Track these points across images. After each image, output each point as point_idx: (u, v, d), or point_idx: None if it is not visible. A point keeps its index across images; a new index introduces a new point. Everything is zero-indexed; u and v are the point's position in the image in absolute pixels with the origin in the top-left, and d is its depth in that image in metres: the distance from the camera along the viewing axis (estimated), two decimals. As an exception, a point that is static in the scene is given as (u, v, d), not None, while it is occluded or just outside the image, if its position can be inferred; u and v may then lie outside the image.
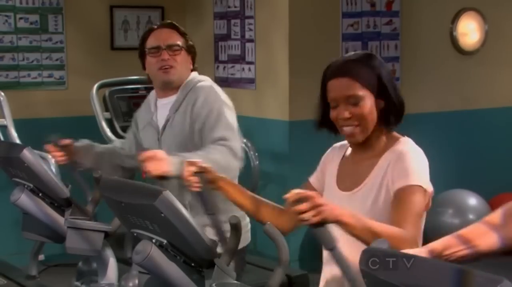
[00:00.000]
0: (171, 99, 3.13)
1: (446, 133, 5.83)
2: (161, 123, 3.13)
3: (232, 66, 5.64)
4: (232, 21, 5.62)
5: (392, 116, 2.34)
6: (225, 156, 2.85)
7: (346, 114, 2.30)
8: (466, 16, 5.89)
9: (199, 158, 2.72)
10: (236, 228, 1.99)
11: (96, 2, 5.76)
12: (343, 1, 5.36)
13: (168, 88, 3.14)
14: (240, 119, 5.59)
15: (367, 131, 2.32)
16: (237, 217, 2.00)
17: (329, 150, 2.54)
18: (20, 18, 5.51)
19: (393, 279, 1.39)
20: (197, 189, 2.34)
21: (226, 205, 3.12)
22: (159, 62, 3.09)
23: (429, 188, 2.28)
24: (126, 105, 5.35)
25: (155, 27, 3.20)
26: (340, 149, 2.48)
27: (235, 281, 1.98)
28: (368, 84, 2.30)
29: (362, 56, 2.36)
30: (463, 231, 1.94)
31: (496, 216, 1.98)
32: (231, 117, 3.05)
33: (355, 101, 2.29)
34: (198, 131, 3.02)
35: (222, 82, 5.71)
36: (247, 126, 5.53)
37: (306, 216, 1.92)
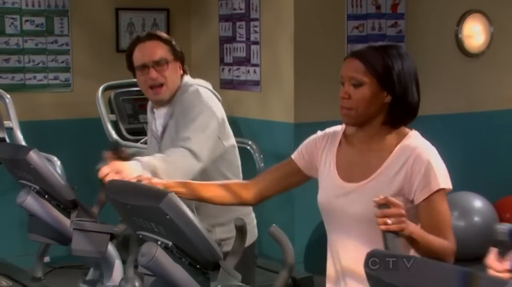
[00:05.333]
0: (167, 107, 3.13)
1: (452, 135, 5.82)
2: (159, 131, 3.14)
3: (237, 69, 5.65)
4: (237, 23, 5.63)
5: (395, 114, 2.32)
6: (185, 158, 2.81)
7: (342, 93, 2.32)
8: (471, 18, 5.89)
9: (157, 161, 2.72)
10: (241, 230, 1.99)
11: (102, 5, 5.77)
12: (348, 3, 5.36)
13: (161, 105, 3.13)
14: (245, 121, 5.62)
15: (358, 118, 2.31)
16: (243, 220, 2.00)
17: (319, 135, 2.50)
18: (26, 21, 5.52)
19: (393, 280, 1.39)
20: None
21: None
22: (148, 81, 3.05)
23: (450, 185, 2.33)
24: (131, 107, 5.36)
25: (139, 38, 3.12)
26: (333, 136, 2.46)
27: (240, 283, 1.98)
28: (375, 72, 2.28)
29: (385, 45, 2.36)
30: None
31: None
32: (206, 120, 2.95)
33: (356, 83, 2.29)
34: None
35: (227, 84, 5.71)
36: (252, 128, 5.54)
37: (388, 220, 2.00)
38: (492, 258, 1.72)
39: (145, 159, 2.72)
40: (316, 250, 5.07)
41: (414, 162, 2.27)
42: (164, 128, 3.12)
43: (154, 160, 2.72)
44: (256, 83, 5.50)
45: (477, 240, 5.38)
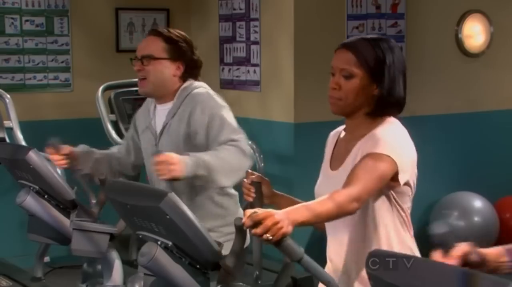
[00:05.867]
0: (169, 105, 3.16)
1: (452, 135, 5.82)
2: (158, 128, 3.16)
3: (237, 68, 5.65)
4: (237, 23, 5.63)
5: (381, 106, 2.32)
6: (235, 155, 2.91)
7: (333, 84, 2.34)
8: (471, 18, 5.88)
9: (210, 157, 2.83)
10: (241, 230, 1.99)
11: (102, 5, 5.77)
12: (348, 3, 5.36)
13: (152, 97, 3.20)
14: (245, 121, 5.62)
15: (345, 108, 2.33)
16: (242, 219, 2.00)
17: (327, 139, 2.55)
18: (26, 21, 5.52)
19: (394, 279, 1.39)
20: (250, 199, 2.36)
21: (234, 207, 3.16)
22: (136, 71, 3.17)
23: (402, 163, 2.23)
24: (131, 107, 5.35)
25: (147, 34, 3.26)
26: (335, 134, 2.51)
27: (241, 283, 1.98)
28: (367, 65, 2.30)
29: (376, 37, 2.37)
30: None
31: None
32: (232, 119, 3.08)
33: (347, 75, 2.31)
34: (200, 138, 3.04)
35: (227, 84, 5.71)
36: (252, 128, 5.53)
37: (267, 236, 1.93)
38: (438, 257, 1.73)
39: (198, 155, 2.84)
40: (316, 250, 5.04)
41: (369, 136, 2.29)
42: (164, 126, 3.13)
43: (206, 156, 2.84)
44: (256, 83, 5.50)
45: (477, 240, 5.38)
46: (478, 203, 5.61)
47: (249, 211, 1.95)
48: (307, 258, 1.90)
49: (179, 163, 2.76)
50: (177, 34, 3.21)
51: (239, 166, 2.87)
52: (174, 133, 3.09)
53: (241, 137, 2.99)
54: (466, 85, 5.91)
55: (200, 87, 3.17)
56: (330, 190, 2.27)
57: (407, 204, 2.36)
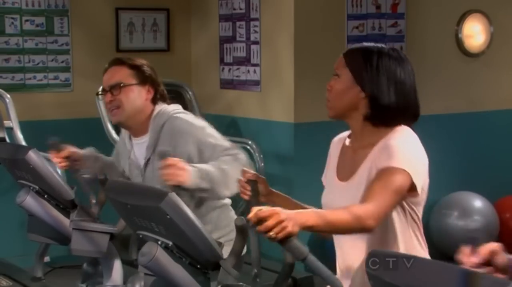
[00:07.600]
0: (145, 138, 3.14)
1: (452, 135, 5.82)
2: (141, 162, 3.16)
3: (237, 68, 5.65)
4: (237, 23, 5.63)
5: (372, 112, 2.33)
6: (235, 165, 2.90)
7: (328, 86, 2.41)
8: (471, 18, 5.88)
9: (213, 169, 2.85)
10: (241, 230, 1.99)
11: (102, 4, 5.77)
12: (348, 3, 5.36)
13: (125, 127, 3.18)
14: (245, 121, 5.63)
15: (335, 110, 2.38)
16: (243, 219, 2.00)
17: (330, 145, 2.56)
18: (26, 21, 5.52)
19: (394, 279, 1.39)
20: (246, 197, 2.36)
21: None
22: (106, 104, 3.15)
23: (416, 174, 2.24)
24: (131, 107, 5.35)
25: (107, 66, 3.20)
26: (339, 141, 2.52)
27: (241, 283, 1.98)
28: (349, 66, 2.36)
29: (374, 45, 2.43)
30: None
31: None
32: (218, 136, 3.06)
33: (335, 75, 2.39)
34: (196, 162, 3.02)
35: (227, 84, 5.71)
36: (252, 128, 5.54)
37: (271, 234, 1.92)
38: (465, 253, 1.71)
39: (201, 166, 2.86)
40: (316, 250, 5.04)
41: (382, 145, 2.29)
42: (147, 161, 3.12)
43: (210, 168, 2.86)
44: (256, 83, 5.50)
45: (477, 240, 5.38)
46: (478, 203, 5.61)
47: (256, 208, 1.95)
48: (312, 257, 1.90)
49: (186, 170, 2.78)
50: (139, 60, 3.20)
51: (237, 176, 2.83)
52: (159, 165, 3.06)
53: (234, 148, 3.00)
54: (466, 85, 5.91)
55: (173, 114, 3.11)
56: (339, 201, 2.27)
57: (420, 212, 2.37)
